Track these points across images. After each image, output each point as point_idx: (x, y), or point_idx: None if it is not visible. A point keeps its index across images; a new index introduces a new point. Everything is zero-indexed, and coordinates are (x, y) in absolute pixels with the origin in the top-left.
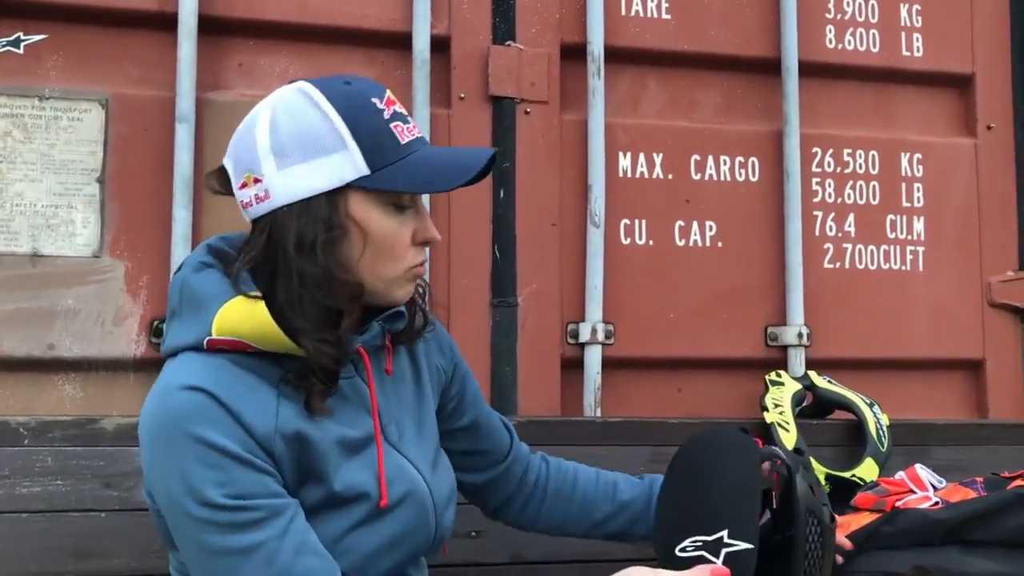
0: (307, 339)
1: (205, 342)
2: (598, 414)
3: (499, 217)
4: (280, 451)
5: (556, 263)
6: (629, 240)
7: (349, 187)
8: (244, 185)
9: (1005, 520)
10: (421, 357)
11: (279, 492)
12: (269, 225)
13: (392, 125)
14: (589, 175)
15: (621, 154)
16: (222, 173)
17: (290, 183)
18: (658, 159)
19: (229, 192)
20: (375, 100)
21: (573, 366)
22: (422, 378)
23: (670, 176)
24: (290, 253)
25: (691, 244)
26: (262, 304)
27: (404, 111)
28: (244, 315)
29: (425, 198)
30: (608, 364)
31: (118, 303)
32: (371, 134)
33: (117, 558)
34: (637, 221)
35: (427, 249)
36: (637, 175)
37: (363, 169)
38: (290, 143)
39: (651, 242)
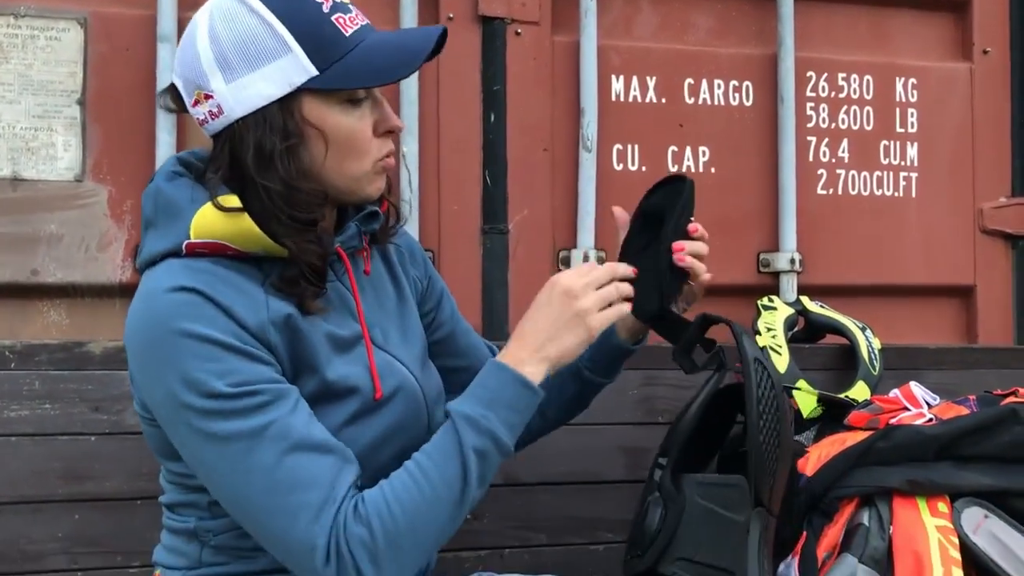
0: (289, 239)
1: (184, 246)
2: None
3: (489, 142)
4: (276, 341)
5: (547, 189)
6: (622, 166)
7: (301, 91)
8: (196, 102)
9: (998, 435)
10: (397, 266)
11: (280, 379)
12: (228, 141)
13: (334, 18)
14: (581, 99)
15: (614, 77)
16: (174, 90)
17: (241, 96)
18: (651, 83)
19: (184, 109)
20: None
21: None
22: (400, 285)
23: (663, 100)
24: (251, 167)
25: (684, 170)
26: (234, 200)
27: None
28: (222, 216)
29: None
30: None
31: (102, 228)
32: (313, 32)
33: (108, 481)
34: (630, 146)
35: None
36: (630, 99)
37: (311, 71)
38: (233, 54)
39: (644, 168)
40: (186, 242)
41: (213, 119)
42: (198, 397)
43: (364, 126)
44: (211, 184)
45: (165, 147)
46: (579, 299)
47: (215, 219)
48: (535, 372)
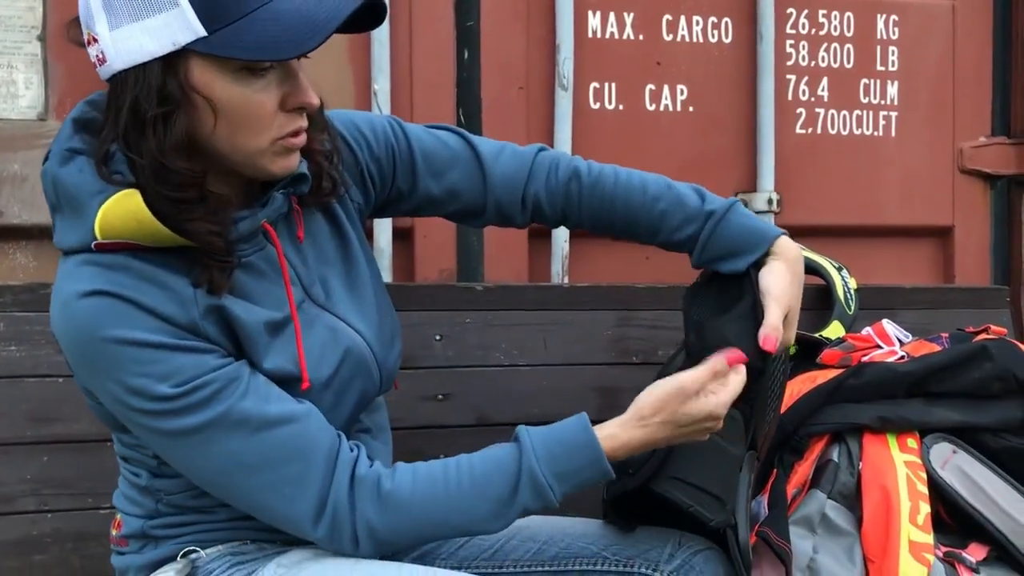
0: (192, 226)
1: (93, 246)
2: (565, 283)
3: (463, 80)
4: (213, 333)
5: (523, 128)
6: (598, 104)
7: (188, 52)
8: (88, 43)
9: (968, 371)
10: (339, 213)
11: (226, 362)
12: (113, 92)
13: None
14: (557, 35)
15: (591, 13)
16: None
17: (122, 47)
18: (629, 19)
19: None
20: None
21: (541, 235)
22: (343, 227)
23: (641, 37)
24: (124, 129)
25: (662, 108)
26: (139, 197)
27: None
28: (126, 213)
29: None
30: (576, 232)
31: None
32: None
33: (77, 423)
34: (607, 84)
35: (305, 115)
36: (607, 35)
37: (199, 31)
38: None
39: (621, 107)
40: (94, 243)
41: (100, 64)
42: (145, 401)
43: (265, 99)
44: (109, 160)
45: None
46: (717, 421)
47: (119, 218)
48: (624, 455)
